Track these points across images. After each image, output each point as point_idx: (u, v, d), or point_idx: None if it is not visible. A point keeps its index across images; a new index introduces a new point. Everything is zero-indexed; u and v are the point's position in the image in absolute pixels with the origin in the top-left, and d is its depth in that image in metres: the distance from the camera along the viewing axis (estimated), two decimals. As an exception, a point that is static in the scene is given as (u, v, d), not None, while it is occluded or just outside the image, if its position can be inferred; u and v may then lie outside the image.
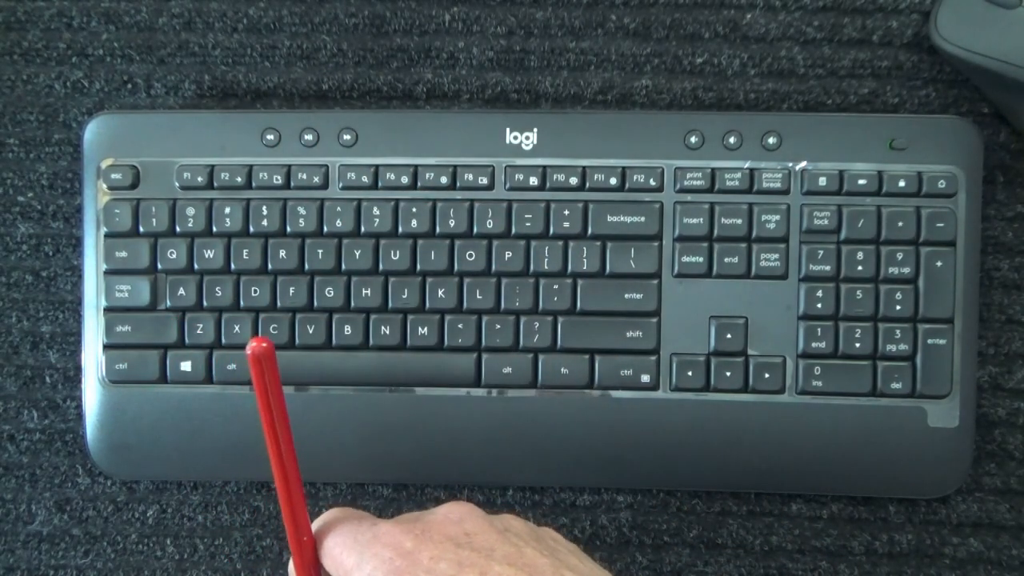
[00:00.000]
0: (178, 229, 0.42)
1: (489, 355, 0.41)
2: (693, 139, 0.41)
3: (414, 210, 0.41)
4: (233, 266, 0.42)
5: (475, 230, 0.41)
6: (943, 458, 0.41)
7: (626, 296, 0.41)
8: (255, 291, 0.41)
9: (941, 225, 0.40)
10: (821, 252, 0.41)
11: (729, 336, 0.41)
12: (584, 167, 0.41)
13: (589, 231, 0.41)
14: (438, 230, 0.41)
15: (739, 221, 0.41)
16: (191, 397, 0.42)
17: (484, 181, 0.41)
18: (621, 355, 0.41)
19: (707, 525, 0.43)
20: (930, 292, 0.40)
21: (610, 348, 0.41)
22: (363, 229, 0.41)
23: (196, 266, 0.42)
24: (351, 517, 0.32)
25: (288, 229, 0.41)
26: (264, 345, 0.28)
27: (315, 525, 0.32)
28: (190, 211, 0.41)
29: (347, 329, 0.41)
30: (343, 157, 0.42)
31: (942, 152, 0.41)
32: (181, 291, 0.42)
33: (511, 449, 0.41)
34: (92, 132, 0.42)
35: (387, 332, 0.41)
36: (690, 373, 0.41)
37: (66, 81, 0.45)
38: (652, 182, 0.41)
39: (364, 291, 0.41)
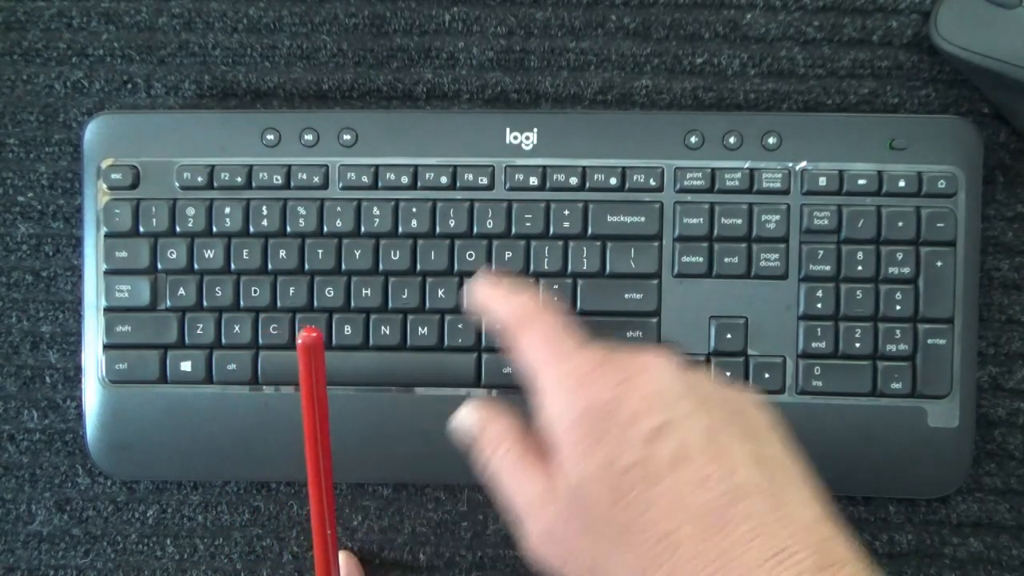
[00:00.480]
0: (178, 229, 0.42)
1: (489, 355, 0.41)
2: (693, 139, 0.41)
3: (414, 210, 0.41)
4: (233, 266, 0.42)
5: (475, 230, 0.41)
6: (943, 458, 0.41)
7: (626, 296, 0.41)
8: (255, 291, 0.41)
9: (941, 225, 0.40)
10: (821, 252, 0.41)
11: (729, 336, 0.41)
12: (584, 167, 0.41)
13: (589, 231, 0.41)
14: (438, 230, 0.41)
15: (739, 221, 0.41)
16: (191, 397, 0.42)
17: (484, 181, 0.41)
18: (621, 355, 0.41)
19: (707, 525, 0.43)
20: (930, 292, 0.40)
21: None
22: (363, 229, 0.41)
23: (196, 266, 0.42)
24: (552, 322, 0.30)
25: (288, 229, 0.41)
26: (315, 335, 0.29)
27: (510, 306, 0.31)
28: (190, 211, 0.41)
29: (347, 329, 0.41)
30: (343, 157, 0.42)
31: (942, 152, 0.41)
32: (181, 291, 0.42)
33: (511, 449, 0.41)
34: (92, 132, 0.42)
35: (387, 332, 0.41)
36: (690, 373, 0.41)
37: (66, 81, 0.45)
38: (652, 182, 0.41)
39: (364, 291, 0.41)
